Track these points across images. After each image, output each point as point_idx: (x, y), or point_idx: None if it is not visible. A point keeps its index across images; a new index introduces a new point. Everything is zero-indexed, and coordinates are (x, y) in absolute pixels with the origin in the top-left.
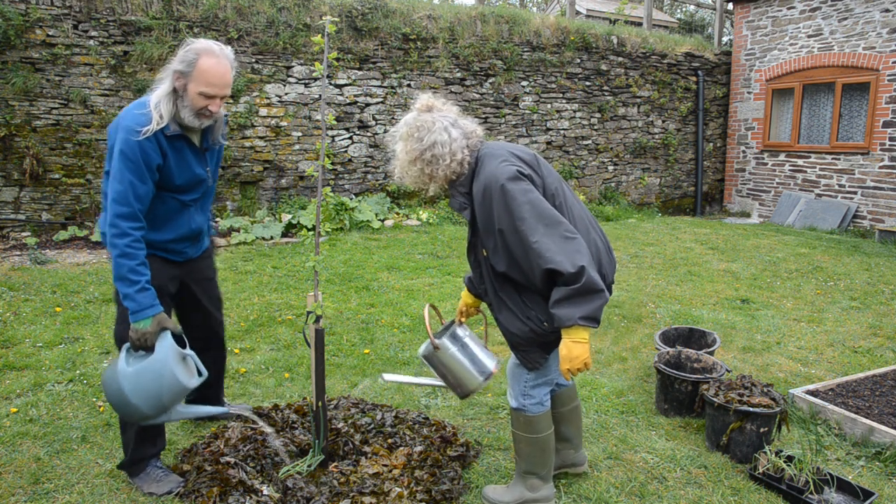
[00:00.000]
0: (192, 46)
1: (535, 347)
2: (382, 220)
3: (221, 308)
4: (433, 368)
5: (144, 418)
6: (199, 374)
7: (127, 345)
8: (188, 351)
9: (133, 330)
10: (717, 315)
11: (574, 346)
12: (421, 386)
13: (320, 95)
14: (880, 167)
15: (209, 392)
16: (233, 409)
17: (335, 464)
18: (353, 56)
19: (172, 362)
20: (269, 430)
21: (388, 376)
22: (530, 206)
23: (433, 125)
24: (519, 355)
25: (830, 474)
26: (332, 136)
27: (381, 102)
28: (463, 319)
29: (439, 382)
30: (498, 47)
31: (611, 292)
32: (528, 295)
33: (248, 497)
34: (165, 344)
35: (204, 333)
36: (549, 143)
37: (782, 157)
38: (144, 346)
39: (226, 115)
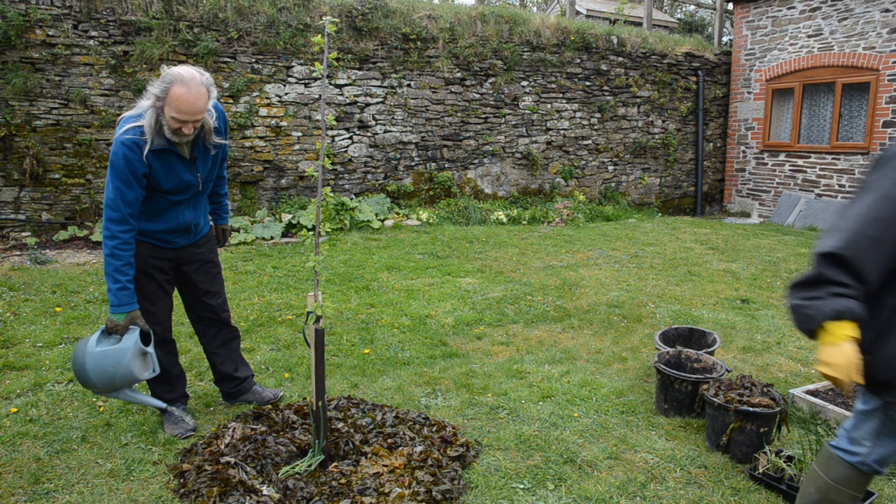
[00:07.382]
0: (168, 73)
1: None
2: (382, 220)
3: (222, 289)
4: None
5: (95, 390)
6: (154, 370)
7: (102, 327)
8: (150, 349)
9: (109, 319)
10: (717, 315)
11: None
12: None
13: (320, 95)
14: None
15: (218, 358)
16: (170, 407)
17: (335, 464)
18: (353, 56)
19: (131, 355)
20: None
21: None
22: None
23: None
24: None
25: None
26: (332, 136)
27: (381, 102)
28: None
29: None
30: (498, 47)
31: None
32: None
33: (248, 497)
34: (131, 338)
35: (202, 312)
36: (549, 143)
37: (782, 157)
38: (115, 332)
39: (220, 116)
